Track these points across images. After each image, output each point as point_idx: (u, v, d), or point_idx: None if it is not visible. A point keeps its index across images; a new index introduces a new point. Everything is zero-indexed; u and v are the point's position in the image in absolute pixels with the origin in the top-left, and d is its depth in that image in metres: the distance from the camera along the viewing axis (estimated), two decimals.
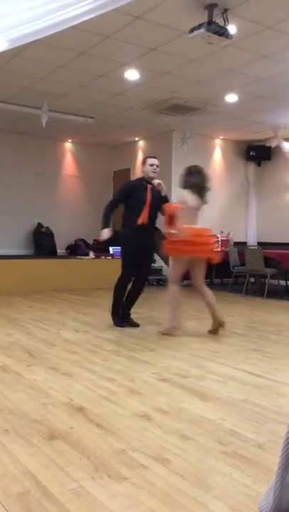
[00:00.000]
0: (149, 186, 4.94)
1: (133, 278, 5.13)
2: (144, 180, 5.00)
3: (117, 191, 5.15)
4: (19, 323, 5.11)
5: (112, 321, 5.10)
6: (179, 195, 4.88)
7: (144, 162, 5.08)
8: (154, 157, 5.10)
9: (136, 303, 5.20)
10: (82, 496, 1.73)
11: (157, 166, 5.02)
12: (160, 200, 4.94)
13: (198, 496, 1.75)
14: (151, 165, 4.99)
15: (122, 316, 5.13)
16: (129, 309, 5.18)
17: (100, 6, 3.21)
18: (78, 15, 3.33)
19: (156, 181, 4.94)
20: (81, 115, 8.30)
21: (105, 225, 4.96)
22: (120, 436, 2.27)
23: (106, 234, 4.95)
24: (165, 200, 5.01)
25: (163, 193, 4.96)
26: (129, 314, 5.18)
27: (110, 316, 5.14)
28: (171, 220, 4.75)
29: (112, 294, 5.09)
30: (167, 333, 4.67)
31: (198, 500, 1.73)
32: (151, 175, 4.98)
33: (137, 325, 5.08)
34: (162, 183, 4.96)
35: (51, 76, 6.37)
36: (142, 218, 4.87)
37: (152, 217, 4.95)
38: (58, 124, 8.64)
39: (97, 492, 1.76)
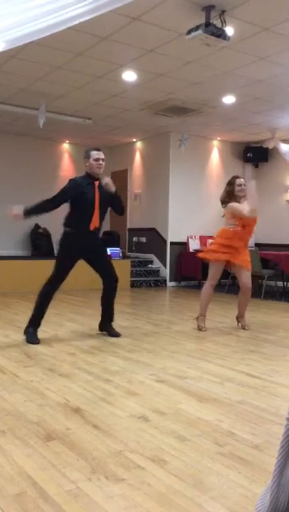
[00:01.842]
0: (96, 183, 4.42)
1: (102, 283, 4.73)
2: (90, 177, 4.44)
3: (62, 190, 4.44)
4: (16, 324, 5.10)
5: (113, 322, 4.73)
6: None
7: (87, 156, 4.43)
8: (99, 149, 4.50)
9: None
10: (78, 497, 1.73)
11: (103, 160, 4.43)
12: (108, 198, 4.44)
13: (194, 497, 1.76)
14: (97, 159, 4.40)
15: (102, 324, 4.74)
16: (111, 316, 4.73)
17: (97, 7, 3.21)
18: (76, 16, 3.33)
19: (105, 180, 4.37)
20: (79, 116, 8.30)
21: (27, 210, 4.40)
22: (117, 437, 2.27)
23: (16, 211, 4.39)
24: (115, 197, 4.47)
25: (113, 190, 4.41)
26: (109, 322, 4.73)
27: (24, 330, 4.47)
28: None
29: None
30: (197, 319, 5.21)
31: (195, 501, 1.73)
32: (97, 171, 4.42)
33: (117, 335, 4.64)
34: (110, 181, 4.38)
35: (49, 77, 6.36)
36: (94, 223, 4.41)
37: (102, 219, 4.51)
38: (56, 125, 8.64)
39: (94, 493, 1.76)
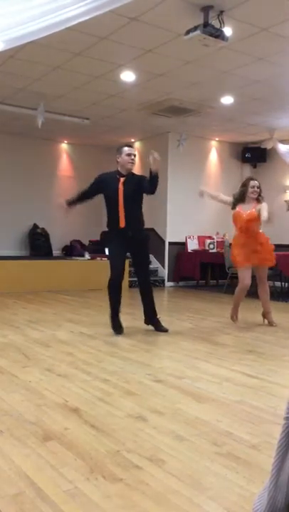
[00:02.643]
0: (122, 180, 4.54)
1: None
2: (118, 174, 4.61)
3: (90, 184, 4.78)
4: (14, 325, 5.09)
5: (109, 323, 4.82)
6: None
7: (120, 152, 4.58)
8: (131, 146, 4.67)
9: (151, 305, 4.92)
10: (76, 497, 1.73)
11: (135, 155, 4.60)
12: (138, 188, 4.53)
13: (192, 496, 1.76)
14: (129, 154, 4.56)
15: (149, 321, 4.92)
16: (147, 313, 4.91)
17: (95, 7, 3.21)
18: (74, 16, 3.34)
19: (154, 154, 4.32)
20: (77, 116, 8.30)
21: (70, 201, 4.75)
22: (115, 437, 2.27)
23: (63, 204, 4.72)
24: (154, 176, 4.38)
25: (157, 169, 4.37)
26: (152, 318, 4.90)
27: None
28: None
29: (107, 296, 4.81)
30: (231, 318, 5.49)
31: (193, 501, 1.73)
32: (129, 166, 4.57)
33: (164, 330, 4.85)
34: (158, 158, 4.35)
35: (47, 77, 6.36)
36: (121, 221, 4.53)
37: (133, 214, 4.58)
38: (54, 125, 8.63)
39: (92, 493, 1.76)
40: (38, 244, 9.90)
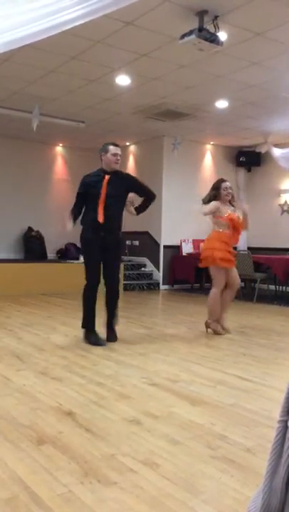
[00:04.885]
0: (106, 178, 4.41)
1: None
2: (102, 171, 4.47)
3: (76, 194, 4.61)
4: (8, 328, 5.08)
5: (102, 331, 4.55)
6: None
7: (105, 150, 4.44)
8: (117, 145, 4.54)
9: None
10: (71, 501, 1.73)
11: (120, 155, 4.50)
12: (122, 193, 4.47)
13: (187, 500, 1.76)
14: (114, 154, 4.44)
15: (106, 329, 4.58)
16: (108, 321, 4.59)
17: (91, 11, 3.22)
18: (69, 20, 3.35)
19: (132, 198, 4.57)
20: (72, 119, 8.31)
21: (73, 219, 4.51)
22: (109, 440, 2.27)
23: (69, 226, 4.49)
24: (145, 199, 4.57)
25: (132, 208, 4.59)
26: (110, 324, 4.59)
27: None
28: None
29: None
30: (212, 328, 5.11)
31: (187, 504, 1.73)
32: (113, 166, 4.45)
33: (113, 340, 4.52)
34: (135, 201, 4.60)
35: (42, 80, 6.37)
36: (99, 217, 4.35)
37: (112, 215, 4.42)
38: (49, 128, 8.63)
39: (86, 497, 1.75)
40: (32, 247, 9.88)
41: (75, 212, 4.54)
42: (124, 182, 4.53)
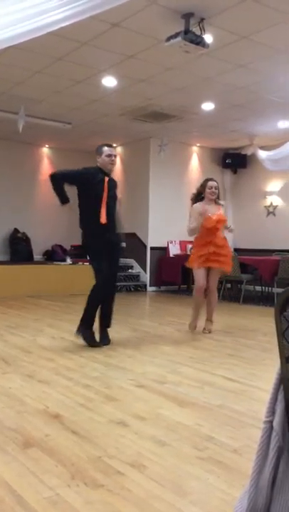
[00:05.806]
0: (106, 179, 4.41)
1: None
2: (102, 172, 4.43)
3: (75, 170, 4.49)
4: None
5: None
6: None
7: (100, 152, 4.42)
8: (111, 145, 4.54)
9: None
10: (58, 504, 1.72)
11: (115, 156, 4.49)
12: (115, 195, 4.53)
13: (174, 501, 1.76)
14: (109, 155, 4.41)
15: (102, 327, 4.54)
16: (103, 320, 4.56)
17: (77, 13, 3.22)
18: (56, 21, 3.34)
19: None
20: (58, 121, 8.28)
21: (62, 196, 4.45)
22: (96, 443, 2.26)
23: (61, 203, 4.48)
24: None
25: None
26: (104, 326, 4.57)
27: (81, 332, 4.44)
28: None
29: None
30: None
31: (175, 505, 1.73)
32: (109, 167, 4.46)
33: (106, 343, 4.50)
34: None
35: (28, 81, 6.34)
36: (102, 218, 4.34)
37: (111, 215, 4.44)
38: (36, 130, 8.59)
39: (73, 500, 1.75)
40: (18, 248, 9.81)
41: (59, 191, 4.46)
42: (115, 184, 4.62)
